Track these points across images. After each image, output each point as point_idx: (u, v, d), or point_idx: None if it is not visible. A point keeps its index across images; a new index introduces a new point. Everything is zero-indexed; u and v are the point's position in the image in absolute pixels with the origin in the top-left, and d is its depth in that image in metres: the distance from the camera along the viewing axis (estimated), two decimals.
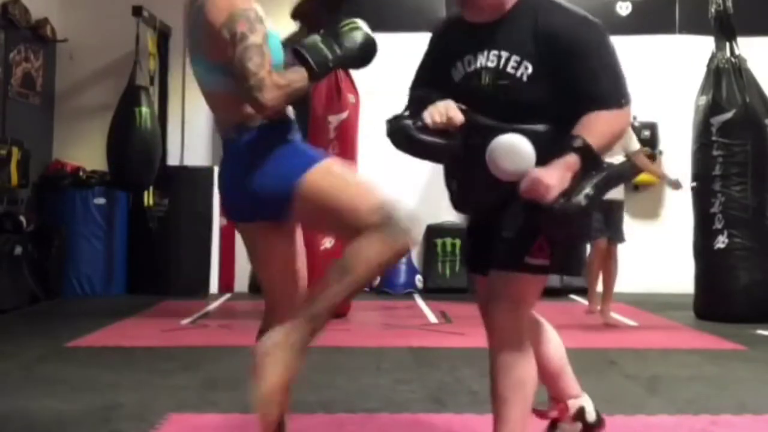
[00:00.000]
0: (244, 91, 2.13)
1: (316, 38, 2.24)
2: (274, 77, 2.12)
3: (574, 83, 2.32)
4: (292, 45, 2.23)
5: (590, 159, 2.25)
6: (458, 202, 2.59)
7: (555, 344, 2.76)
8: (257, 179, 2.21)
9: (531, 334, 2.60)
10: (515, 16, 2.38)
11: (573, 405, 2.76)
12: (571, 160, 2.22)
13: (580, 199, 2.20)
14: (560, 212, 2.19)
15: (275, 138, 2.25)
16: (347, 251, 2.17)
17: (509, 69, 2.36)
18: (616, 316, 6.20)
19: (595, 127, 2.28)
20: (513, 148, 2.28)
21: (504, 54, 2.37)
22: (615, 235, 6.06)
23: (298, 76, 2.19)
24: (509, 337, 2.37)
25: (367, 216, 2.14)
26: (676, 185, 6.29)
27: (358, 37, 2.32)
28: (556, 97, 2.33)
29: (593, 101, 2.30)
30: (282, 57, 2.28)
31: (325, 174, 2.21)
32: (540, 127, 2.33)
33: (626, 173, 2.16)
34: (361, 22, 2.35)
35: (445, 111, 2.40)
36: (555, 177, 2.19)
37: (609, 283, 6.16)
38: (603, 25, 2.49)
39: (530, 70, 2.34)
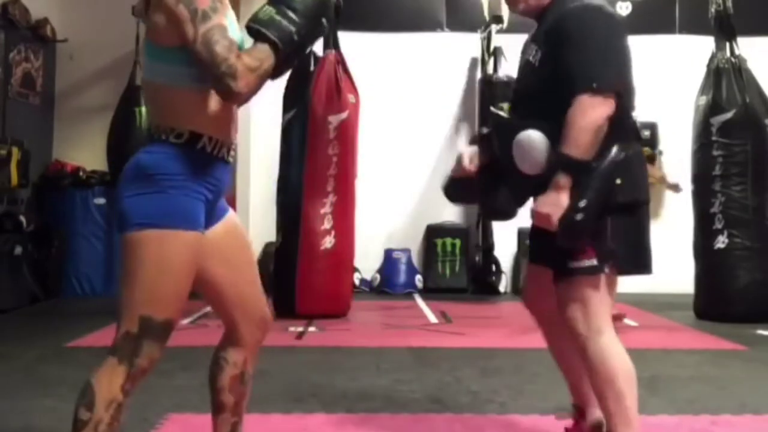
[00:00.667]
0: (213, 79, 1.94)
1: (269, 10, 2.01)
2: (245, 60, 1.93)
3: (565, 68, 2.39)
4: (246, 25, 2.02)
5: (576, 169, 2.31)
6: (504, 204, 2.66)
7: (574, 352, 2.71)
8: (123, 197, 2.03)
9: (559, 337, 2.68)
10: (549, 12, 2.54)
11: (592, 414, 2.73)
12: (560, 180, 2.33)
13: (575, 216, 2.31)
14: (564, 234, 2.32)
15: (173, 164, 2.02)
16: (92, 381, 2.00)
17: (530, 58, 2.55)
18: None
19: (572, 132, 2.32)
20: (526, 144, 2.40)
21: (534, 46, 2.56)
22: None
23: (265, 55, 1.98)
24: (580, 338, 2.47)
25: (130, 318, 2.00)
26: (675, 188, 6.28)
27: None
28: (551, 88, 2.40)
29: (573, 85, 2.35)
30: (242, 39, 2.08)
31: (157, 245, 1.98)
32: (543, 123, 2.40)
33: (621, 161, 2.16)
34: None
35: (459, 164, 2.64)
36: (548, 205, 2.33)
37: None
38: (610, 13, 2.52)
39: (539, 55, 2.50)
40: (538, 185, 2.42)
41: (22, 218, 6.92)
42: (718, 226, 6.27)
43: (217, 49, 1.92)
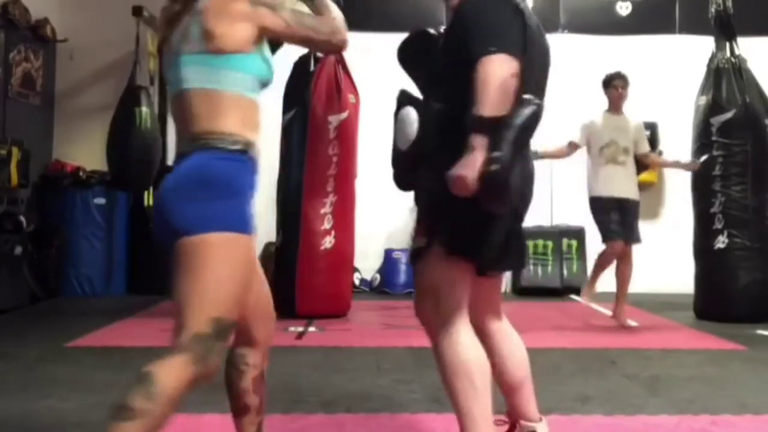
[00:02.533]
0: (323, 43, 2.29)
1: None
2: (330, 18, 2.27)
3: (461, 53, 2.37)
4: None
5: (489, 127, 2.25)
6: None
7: (517, 358, 2.70)
8: (184, 200, 2.06)
9: (493, 343, 2.63)
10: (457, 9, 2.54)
11: (525, 427, 2.68)
12: (473, 141, 2.24)
13: (491, 167, 2.21)
14: (486, 191, 2.22)
15: (234, 171, 2.10)
16: (158, 373, 2.00)
17: (440, 45, 2.58)
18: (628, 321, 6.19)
19: (480, 92, 2.27)
20: (401, 119, 2.46)
21: (442, 38, 2.60)
22: (630, 235, 5.98)
23: (333, 7, 2.32)
24: (434, 331, 2.45)
25: (201, 319, 2.01)
26: (694, 166, 6.28)
27: None
28: (452, 71, 2.41)
29: (471, 61, 2.31)
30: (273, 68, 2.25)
31: (225, 249, 2.04)
32: (437, 105, 2.43)
33: (533, 112, 2.12)
34: None
35: None
36: (463, 166, 2.23)
37: (623, 285, 6.07)
38: (494, 1, 2.47)
39: (442, 42, 2.56)
40: (411, 165, 2.46)
41: (22, 218, 6.92)
42: (718, 226, 6.28)
43: (313, 22, 2.23)
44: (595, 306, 6.39)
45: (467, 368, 2.39)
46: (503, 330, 2.72)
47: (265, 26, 2.14)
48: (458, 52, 2.39)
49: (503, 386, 2.69)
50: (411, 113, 2.39)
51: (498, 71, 2.27)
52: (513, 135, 2.25)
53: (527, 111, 2.30)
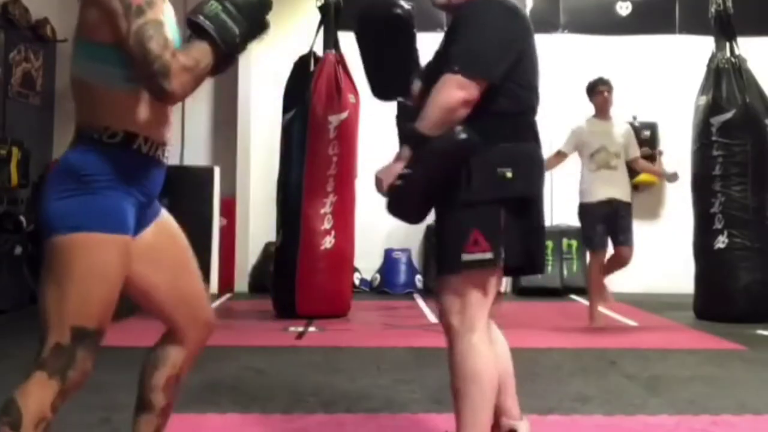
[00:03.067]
0: (145, 78, 1.83)
1: (215, 6, 1.90)
2: (181, 59, 1.82)
3: (447, 54, 2.43)
4: (187, 18, 1.92)
5: (416, 142, 2.38)
6: None
7: (503, 358, 2.69)
8: (52, 197, 1.90)
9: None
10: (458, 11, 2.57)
11: (505, 425, 2.69)
12: (401, 150, 2.45)
13: (395, 181, 2.45)
14: (391, 197, 2.49)
15: (106, 166, 1.91)
16: (18, 398, 1.93)
17: (439, 48, 2.61)
18: (616, 316, 6.19)
19: (427, 108, 2.36)
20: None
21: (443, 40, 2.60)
22: (627, 239, 5.92)
23: (202, 54, 1.88)
24: (454, 332, 2.47)
25: (61, 329, 1.89)
26: (673, 177, 6.25)
27: None
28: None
29: (444, 65, 2.39)
30: (179, 39, 1.96)
31: (88, 250, 1.87)
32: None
33: (457, 143, 2.18)
34: None
35: None
36: (383, 171, 2.48)
37: (610, 272, 6.00)
38: (508, 9, 2.49)
39: (441, 46, 2.58)
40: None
41: (22, 218, 6.92)
42: (718, 226, 6.28)
43: (151, 46, 1.80)
44: (616, 317, 6.30)
45: (482, 377, 2.41)
46: (491, 330, 2.73)
47: (112, 23, 1.85)
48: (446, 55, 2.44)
49: None
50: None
51: (448, 96, 2.33)
52: (428, 158, 2.36)
53: (452, 140, 2.34)
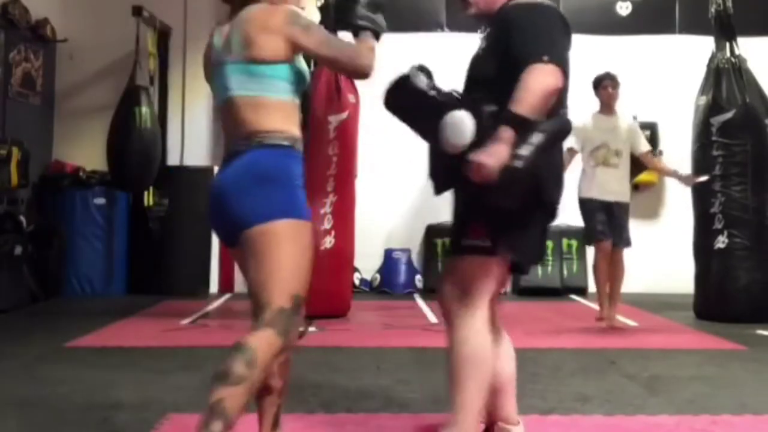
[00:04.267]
0: (348, 67, 2.43)
1: (362, 11, 2.52)
2: (362, 47, 2.44)
3: (510, 52, 2.45)
4: (344, 24, 2.53)
5: (521, 125, 2.31)
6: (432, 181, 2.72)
7: (506, 359, 2.72)
8: (252, 192, 2.31)
9: (497, 347, 2.67)
10: (498, 14, 2.62)
11: (502, 429, 2.72)
12: (503, 133, 2.30)
13: (515, 162, 2.27)
14: (505, 181, 2.28)
15: (292, 163, 2.39)
16: (252, 343, 2.23)
17: (480, 51, 2.65)
18: (616, 316, 6.18)
19: (522, 93, 2.34)
20: (453, 123, 2.40)
21: (483, 42, 2.66)
22: (619, 238, 5.92)
23: (371, 39, 2.49)
24: (457, 317, 2.53)
25: (283, 296, 2.27)
26: (691, 180, 6.21)
27: None
28: (502, 73, 2.44)
29: (520, 61, 2.39)
30: (308, 75, 2.50)
31: (297, 233, 2.31)
32: (489, 107, 2.43)
33: (564, 125, 2.24)
34: None
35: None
36: (489, 154, 2.28)
37: (614, 288, 6.01)
38: (547, 8, 2.57)
39: (486, 44, 2.61)
40: (452, 169, 2.43)
41: (22, 218, 6.92)
42: (718, 226, 6.28)
43: (341, 46, 2.41)
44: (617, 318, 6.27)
45: (481, 358, 2.49)
46: (499, 328, 2.74)
47: (297, 43, 2.36)
48: (507, 54, 2.45)
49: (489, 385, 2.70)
50: (466, 117, 2.39)
51: (545, 82, 2.35)
52: (540, 140, 2.31)
53: (560, 123, 2.41)
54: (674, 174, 6.32)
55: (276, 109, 2.38)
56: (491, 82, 2.48)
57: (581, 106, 6.25)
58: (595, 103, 6.13)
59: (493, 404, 2.70)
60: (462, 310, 2.52)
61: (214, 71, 2.48)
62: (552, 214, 2.60)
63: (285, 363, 2.49)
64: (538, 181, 2.40)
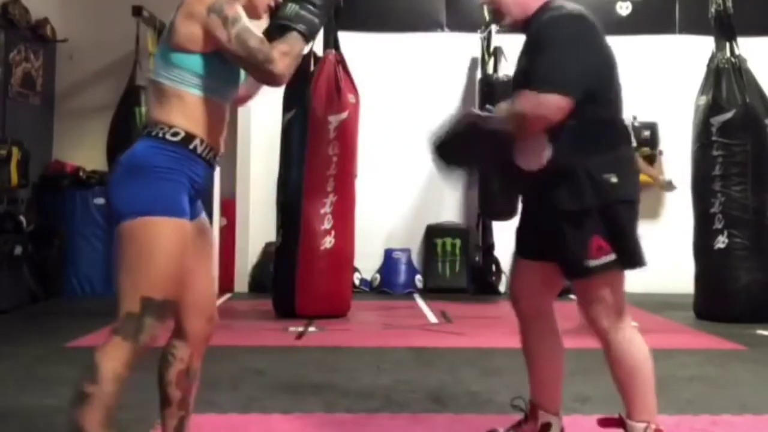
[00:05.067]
0: (254, 68, 2.23)
1: (293, 7, 2.30)
2: (279, 47, 2.21)
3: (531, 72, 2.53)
4: (275, 24, 2.31)
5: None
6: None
7: (559, 355, 2.89)
8: (119, 185, 2.24)
9: (549, 330, 2.86)
10: (532, 22, 2.65)
11: (543, 417, 2.83)
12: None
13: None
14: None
15: (167, 160, 2.24)
16: (96, 358, 2.21)
17: (520, 67, 2.70)
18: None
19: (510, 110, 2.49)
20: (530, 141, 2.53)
21: (523, 57, 2.70)
22: None
23: (294, 41, 2.27)
24: (602, 333, 2.64)
25: (132, 300, 2.18)
26: (669, 187, 6.24)
27: None
28: None
29: (528, 82, 2.51)
30: (243, 75, 2.38)
31: (152, 232, 2.18)
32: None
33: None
34: None
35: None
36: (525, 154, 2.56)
37: None
38: (580, 23, 2.60)
39: (523, 63, 2.65)
40: (531, 185, 2.58)
41: (22, 218, 6.92)
42: (718, 226, 6.27)
43: (252, 44, 2.19)
44: None
45: (644, 363, 2.61)
46: (555, 321, 2.92)
47: (211, 34, 2.22)
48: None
49: (539, 375, 2.86)
50: (546, 143, 2.51)
51: (534, 108, 2.45)
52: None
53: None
54: (656, 179, 6.36)
55: (177, 102, 2.26)
56: None
57: None
58: None
59: (540, 393, 2.85)
60: (612, 326, 2.62)
61: None
62: (634, 209, 2.65)
63: (183, 373, 2.43)
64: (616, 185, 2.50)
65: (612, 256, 2.52)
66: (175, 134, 2.25)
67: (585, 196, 2.49)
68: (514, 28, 2.73)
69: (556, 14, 2.57)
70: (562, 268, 2.62)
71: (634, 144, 6.03)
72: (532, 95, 2.46)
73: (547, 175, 2.53)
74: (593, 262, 2.52)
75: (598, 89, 2.53)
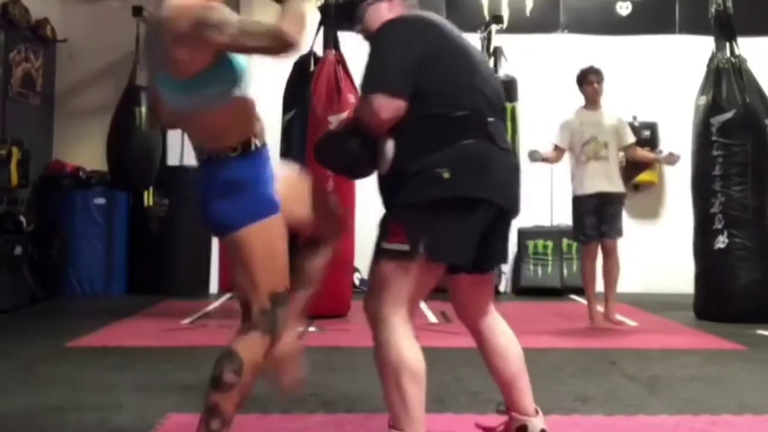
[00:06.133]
0: (269, 52, 2.25)
1: None
2: (282, 22, 2.24)
3: None
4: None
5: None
6: None
7: (511, 354, 2.76)
8: (212, 206, 2.39)
9: (485, 339, 2.74)
10: None
11: (516, 420, 2.75)
12: None
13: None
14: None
15: (242, 171, 2.39)
16: (239, 349, 2.40)
17: None
18: (616, 316, 6.19)
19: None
20: (386, 151, 2.59)
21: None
22: (609, 228, 5.89)
23: (295, 4, 2.29)
24: (372, 322, 2.61)
25: (261, 298, 2.39)
26: (671, 159, 6.22)
27: None
28: None
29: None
30: (246, 63, 2.39)
31: (259, 236, 2.37)
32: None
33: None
34: None
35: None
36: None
37: (610, 282, 5.99)
38: (401, 25, 2.62)
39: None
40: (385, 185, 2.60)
41: (22, 218, 6.92)
42: (718, 226, 6.27)
43: (255, 30, 2.22)
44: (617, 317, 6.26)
45: (398, 367, 2.54)
46: (496, 326, 2.78)
47: (211, 46, 2.25)
48: None
49: (498, 381, 2.77)
50: (390, 143, 2.53)
51: (364, 114, 2.52)
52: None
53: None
54: (656, 159, 6.35)
55: (218, 120, 2.42)
56: None
57: (583, 104, 6.28)
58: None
59: (508, 398, 2.78)
60: (380, 318, 2.59)
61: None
62: (496, 212, 2.55)
63: (325, 267, 2.75)
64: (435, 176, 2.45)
65: (404, 246, 2.45)
66: (233, 150, 2.38)
67: (418, 193, 2.46)
68: (367, 39, 2.73)
69: (384, 23, 2.61)
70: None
71: (632, 139, 6.05)
72: (361, 100, 2.54)
73: (389, 176, 2.53)
74: (385, 245, 2.50)
75: (426, 84, 2.49)
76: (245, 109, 2.42)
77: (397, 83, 2.47)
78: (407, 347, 2.57)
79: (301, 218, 2.60)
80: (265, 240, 2.38)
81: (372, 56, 2.57)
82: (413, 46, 2.53)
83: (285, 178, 2.62)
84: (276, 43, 2.22)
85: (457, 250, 2.52)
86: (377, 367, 2.57)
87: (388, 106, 2.46)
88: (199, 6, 2.25)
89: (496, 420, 2.85)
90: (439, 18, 2.72)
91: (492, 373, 2.78)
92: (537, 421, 2.74)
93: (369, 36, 2.68)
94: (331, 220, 2.74)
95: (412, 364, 2.54)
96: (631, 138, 6.10)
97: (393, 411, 2.55)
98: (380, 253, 2.53)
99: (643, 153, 6.53)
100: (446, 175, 2.43)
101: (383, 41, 2.58)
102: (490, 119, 2.56)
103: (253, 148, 2.42)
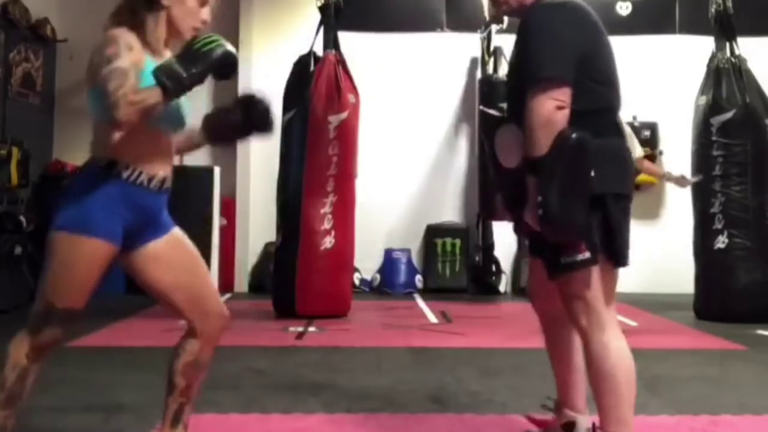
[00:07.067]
0: (103, 111, 2.29)
1: (171, 60, 2.34)
2: (129, 96, 2.24)
3: (524, 61, 2.46)
4: (153, 70, 2.33)
5: (535, 167, 2.36)
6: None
7: (576, 346, 2.77)
8: (64, 200, 2.47)
9: (566, 332, 2.73)
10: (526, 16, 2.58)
11: (567, 415, 2.77)
12: (530, 183, 2.39)
13: (539, 212, 2.35)
14: (545, 232, 2.40)
15: (95, 185, 2.42)
16: (10, 345, 2.43)
17: (512, 57, 2.64)
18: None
19: (526, 131, 2.38)
20: (501, 138, 2.48)
21: (515, 47, 2.61)
22: None
23: (151, 93, 2.28)
24: (581, 333, 2.53)
25: (38, 302, 2.42)
26: (682, 182, 6.18)
27: (214, 53, 2.33)
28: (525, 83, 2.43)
29: (526, 78, 2.41)
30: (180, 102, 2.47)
31: (67, 247, 2.39)
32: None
33: (574, 148, 2.37)
34: (217, 38, 2.35)
35: None
36: (527, 210, 2.41)
37: None
38: (573, 8, 2.54)
39: (515, 52, 2.58)
40: (517, 183, 2.45)
41: (22, 218, 6.92)
42: (718, 226, 6.28)
43: (109, 86, 2.25)
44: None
45: (619, 372, 2.51)
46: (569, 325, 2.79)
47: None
48: (523, 62, 2.46)
49: (560, 373, 2.80)
50: (510, 129, 2.44)
51: (540, 112, 2.34)
52: (555, 172, 2.31)
53: (567, 150, 2.33)
54: (665, 176, 6.30)
55: (102, 133, 2.51)
56: (519, 94, 2.44)
57: None
58: None
59: (565, 393, 2.79)
60: (591, 327, 2.52)
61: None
62: (626, 202, 2.59)
63: (191, 364, 2.57)
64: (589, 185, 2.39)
65: (586, 255, 2.42)
66: (100, 160, 2.45)
67: (541, 192, 2.38)
68: (509, 15, 2.69)
69: (551, 3, 2.53)
70: (544, 266, 2.55)
71: (640, 153, 6.01)
72: (534, 96, 2.37)
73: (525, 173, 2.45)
74: (565, 259, 2.43)
75: (587, 74, 2.45)
76: (144, 143, 2.44)
77: (567, 70, 2.39)
78: (625, 350, 2.56)
79: (175, 285, 2.54)
80: (69, 253, 2.38)
81: (539, 35, 2.44)
82: (588, 37, 2.51)
83: (181, 242, 2.61)
84: (108, 109, 2.25)
85: (627, 250, 2.57)
86: (590, 371, 2.55)
87: (562, 95, 2.35)
88: (114, 34, 2.38)
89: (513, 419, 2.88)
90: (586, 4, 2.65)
91: (554, 364, 2.82)
92: (584, 420, 2.76)
93: (522, 13, 2.58)
94: (209, 316, 2.59)
95: (630, 368, 2.54)
96: (639, 151, 6.04)
97: (605, 413, 2.52)
98: (561, 270, 2.47)
99: (651, 167, 6.45)
100: (592, 173, 2.38)
101: (554, 20, 2.47)
102: (619, 116, 2.61)
103: (116, 171, 2.40)
